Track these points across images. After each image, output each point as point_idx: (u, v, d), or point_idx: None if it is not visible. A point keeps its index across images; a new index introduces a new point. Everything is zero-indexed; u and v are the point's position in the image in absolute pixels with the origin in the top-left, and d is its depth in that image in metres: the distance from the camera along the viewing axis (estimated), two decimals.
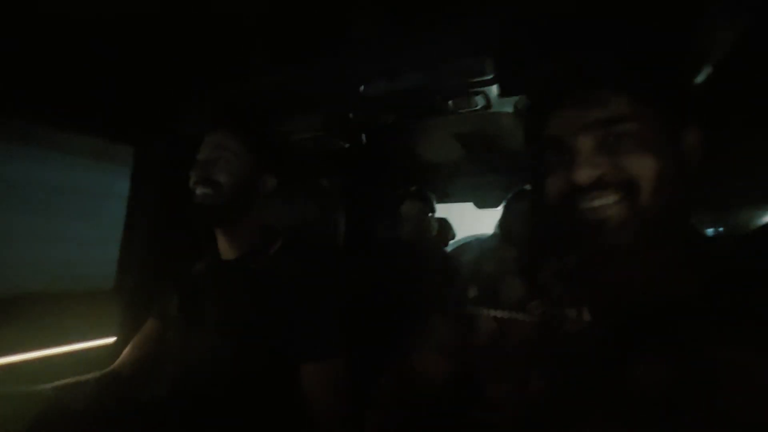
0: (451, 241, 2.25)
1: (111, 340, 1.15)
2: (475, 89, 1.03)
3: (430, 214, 1.72)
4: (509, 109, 1.11)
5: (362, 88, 1.07)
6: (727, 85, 0.76)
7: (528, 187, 1.54)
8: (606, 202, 0.47)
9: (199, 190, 0.88)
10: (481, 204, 2.18)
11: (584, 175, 0.47)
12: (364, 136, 1.43)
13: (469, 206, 2.21)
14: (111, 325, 1.16)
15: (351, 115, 1.25)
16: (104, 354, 1.11)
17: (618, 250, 0.48)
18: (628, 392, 0.43)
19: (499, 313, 0.58)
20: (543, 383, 0.50)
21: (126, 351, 0.98)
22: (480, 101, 1.07)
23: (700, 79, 0.76)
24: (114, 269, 1.20)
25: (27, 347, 1.00)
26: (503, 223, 1.55)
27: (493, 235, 1.61)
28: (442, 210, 2.28)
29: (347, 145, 1.45)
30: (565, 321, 0.52)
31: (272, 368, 0.81)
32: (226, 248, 0.95)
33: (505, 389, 0.54)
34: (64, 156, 1.07)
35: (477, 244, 2.15)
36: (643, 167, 0.46)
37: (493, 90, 1.03)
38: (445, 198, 2.18)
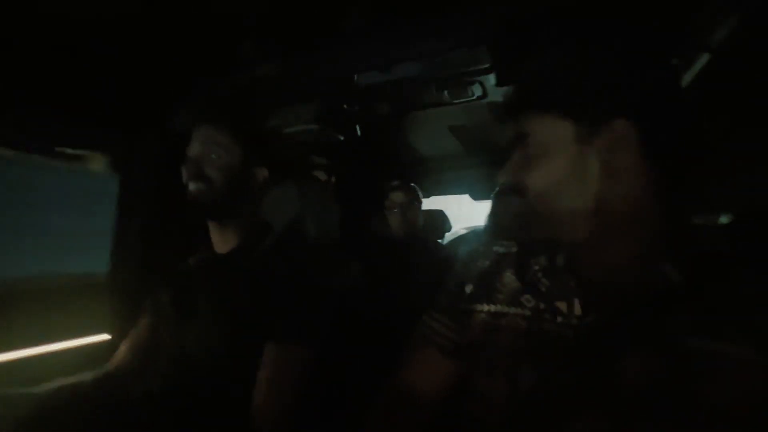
0: (447, 234, 2.25)
1: (105, 336, 1.14)
2: (472, 79, 1.02)
3: (416, 206, 1.71)
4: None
5: (356, 78, 1.06)
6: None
7: None
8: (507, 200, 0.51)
9: (191, 186, 0.87)
10: (477, 196, 2.18)
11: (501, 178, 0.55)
12: (358, 128, 1.41)
13: (466, 198, 2.21)
14: (104, 321, 1.15)
15: (345, 106, 1.23)
16: (98, 350, 1.10)
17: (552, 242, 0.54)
18: (615, 384, 0.44)
19: (491, 307, 0.58)
20: (534, 376, 0.51)
21: (121, 348, 0.97)
22: (476, 91, 1.07)
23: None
24: (106, 265, 1.19)
25: (19, 345, 0.98)
26: (491, 217, 1.55)
27: (492, 223, 1.60)
28: (438, 202, 2.28)
29: (341, 137, 1.43)
30: (556, 314, 0.52)
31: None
32: (219, 242, 0.94)
33: (497, 383, 0.53)
34: (54, 149, 1.05)
35: (472, 236, 2.15)
36: (537, 177, 0.51)
37: (490, 79, 1.02)
38: (441, 190, 2.17)
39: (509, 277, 0.59)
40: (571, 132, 0.49)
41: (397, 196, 1.68)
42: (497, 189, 1.54)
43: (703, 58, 0.77)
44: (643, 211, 0.48)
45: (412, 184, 1.74)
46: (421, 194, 1.75)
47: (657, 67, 0.50)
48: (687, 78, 0.80)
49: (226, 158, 0.88)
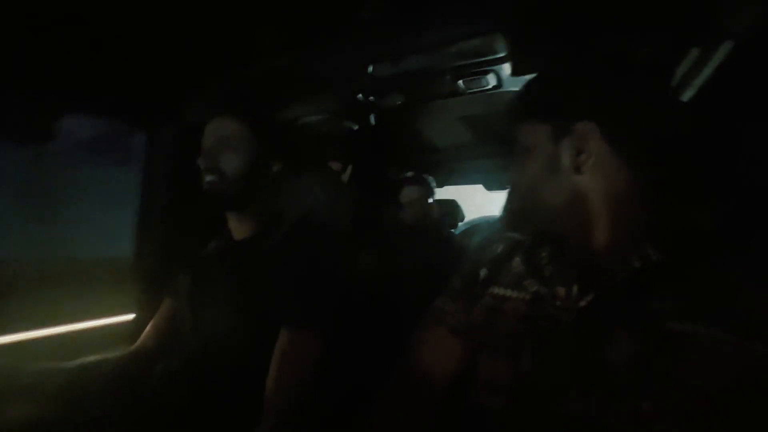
0: (461, 223, 2.25)
1: (130, 316, 1.19)
2: (486, 69, 1.01)
3: (429, 197, 1.71)
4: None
5: (371, 69, 1.06)
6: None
7: None
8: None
9: (206, 178, 0.89)
10: (491, 186, 2.16)
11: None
12: (373, 119, 1.42)
13: (480, 188, 2.20)
14: (130, 302, 1.20)
15: (360, 97, 1.23)
16: (124, 331, 1.15)
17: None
18: (607, 363, 0.46)
19: (499, 291, 0.61)
20: (534, 356, 0.53)
21: (146, 330, 1.01)
22: (491, 81, 1.06)
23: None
24: (132, 249, 1.24)
25: (50, 323, 1.04)
26: (504, 207, 1.54)
27: (500, 217, 1.60)
28: (452, 192, 2.27)
29: (356, 128, 1.44)
30: (555, 298, 0.54)
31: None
32: (236, 230, 0.97)
33: (501, 362, 0.56)
34: (79, 141, 1.10)
35: (485, 225, 2.14)
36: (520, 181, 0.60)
37: (505, 69, 1.01)
38: (455, 180, 2.17)
39: (516, 263, 0.62)
40: (546, 134, 0.55)
41: (410, 188, 1.69)
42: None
43: (726, 47, 0.75)
44: (618, 198, 0.52)
45: (425, 175, 1.74)
46: (434, 185, 1.75)
47: (622, 72, 0.55)
48: (709, 67, 0.78)
49: (241, 150, 0.89)
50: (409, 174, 1.74)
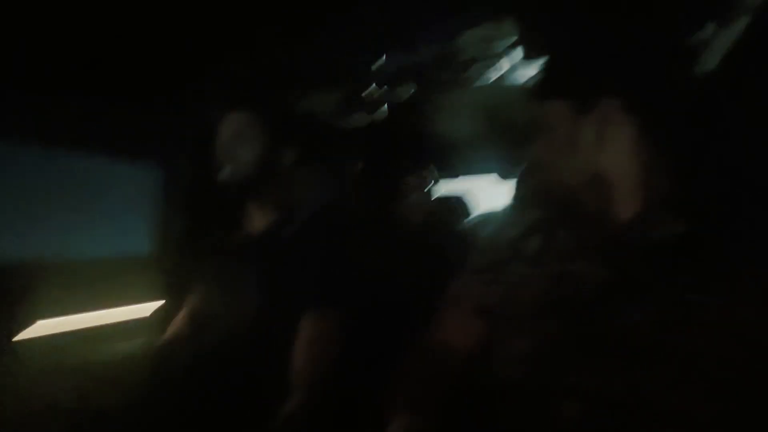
0: (473, 214, 2.23)
1: (156, 304, 1.24)
2: (497, 53, 1.01)
3: (432, 188, 1.71)
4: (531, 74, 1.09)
5: (383, 59, 1.07)
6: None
7: None
8: None
9: (222, 171, 0.92)
10: (506, 175, 2.15)
11: None
12: (384, 109, 1.42)
13: (494, 177, 2.18)
14: (154, 291, 1.24)
15: (371, 88, 1.24)
16: (150, 321, 1.20)
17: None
18: (629, 338, 0.47)
19: (517, 268, 0.62)
20: (554, 333, 0.54)
21: (175, 320, 1.05)
22: (503, 66, 1.06)
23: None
24: (156, 244, 1.28)
25: (78, 310, 1.08)
26: (517, 191, 1.54)
27: (514, 198, 1.60)
28: (466, 182, 2.26)
29: (368, 119, 1.45)
30: (574, 272, 0.55)
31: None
32: (254, 219, 1.00)
33: (519, 340, 0.57)
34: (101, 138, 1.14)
35: (499, 215, 2.12)
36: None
37: (517, 54, 1.00)
38: (468, 170, 2.16)
39: (534, 241, 0.62)
40: (568, 111, 0.55)
41: (416, 179, 1.69)
42: (523, 166, 1.53)
43: (742, 21, 0.74)
44: (639, 175, 0.52)
45: (431, 167, 1.74)
46: (436, 174, 1.75)
47: (643, 47, 0.54)
48: (723, 43, 0.76)
49: (254, 141, 0.92)
50: (414, 165, 1.74)
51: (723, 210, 0.49)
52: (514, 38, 0.93)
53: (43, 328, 1.01)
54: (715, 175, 0.52)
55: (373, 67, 1.11)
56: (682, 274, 0.45)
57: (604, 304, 0.50)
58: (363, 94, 1.29)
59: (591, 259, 0.54)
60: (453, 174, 2.09)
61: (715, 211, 0.49)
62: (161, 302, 1.23)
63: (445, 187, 1.83)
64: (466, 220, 2.15)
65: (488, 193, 2.43)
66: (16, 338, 0.96)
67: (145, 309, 1.21)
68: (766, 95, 0.69)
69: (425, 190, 1.67)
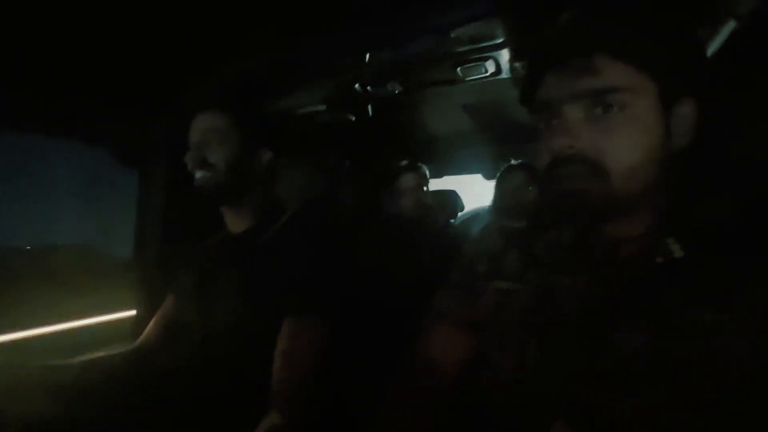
0: (460, 213, 2.24)
1: (131, 313, 1.19)
2: (484, 55, 1.00)
3: (425, 187, 1.70)
4: (519, 75, 1.08)
5: (367, 57, 1.04)
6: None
7: (514, 162, 1.55)
8: (577, 175, 0.46)
9: (196, 174, 0.89)
10: (490, 175, 2.15)
11: (560, 143, 0.47)
12: (369, 108, 1.40)
13: (479, 177, 2.19)
14: (130, 298, 1.20)
15: (356, 86, 1.22)
16: (125, 327, 1.15)
17: (587, 222, 0.50)
18: (618, 356, 0.45)
19: (500, 284, 0.59)
20: (541, 349, 0.52)
21: (148, 327, 1.01)
22: (490, 68, 1.04)
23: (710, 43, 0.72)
24: (131, 246, 1.23)
25: (50, 321, 1.04)
26: (495, 200, 1.57)
27: (496, 206, 1.63)
28: (451, 181, 2.26)
29: (353, 118, 1.43)
30: (561, 290, 0.52)
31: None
32: (233, 223, 0.96)
33: (507, 356, 0.55)
34: (73, 139, 1.10)
35: (484, 214, 2.14)
36: (618, 150, 0.45)
37: (504, 55, 0.99)
38: (454, 169, 2.15)
39: (518, 254, 0.60)
40: (655, 95, 0.45)
41: (407, 176, 1.67)
42: (510, 164, 1.53)
43: (729, 26, 0.74)
44: (660, 184, 0.48)
45: (419, 164, 1.73)
46: (428, 174, 1.74)
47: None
48: (711, 48, 0.76)
49: (228, 143, 0.89)
50: (405, 162, 1.73)
51: (722, 231, 0.47)
52: (502, 38, 0.92)
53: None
54: (712, 195, 0.51)
55: (360, 65, 1.08)
56: (678, 294, 0.44)
57: (597, 321, 0.48)
58: (349, 92, 1.26)
59: (580, 276, 0.52)
60: (438, 173, 2.08)
61: (714, 232, 0.47)
62: (136, 310, 1.18)
63: (432, 186, 1.82)
64: (453, 220, 2.15)
65: (472, 193, 2.45)
66: None
67: (121, 316, 1.17)
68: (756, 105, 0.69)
69: (416, 188, 1.66)
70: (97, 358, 0.92)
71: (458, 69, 1.06)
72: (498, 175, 1.57)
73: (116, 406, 0.87)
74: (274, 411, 0.73)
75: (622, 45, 0.45)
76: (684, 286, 0.44)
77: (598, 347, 0.47)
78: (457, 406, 0.63)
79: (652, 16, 0.47)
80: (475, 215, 2.30)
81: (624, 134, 0.45)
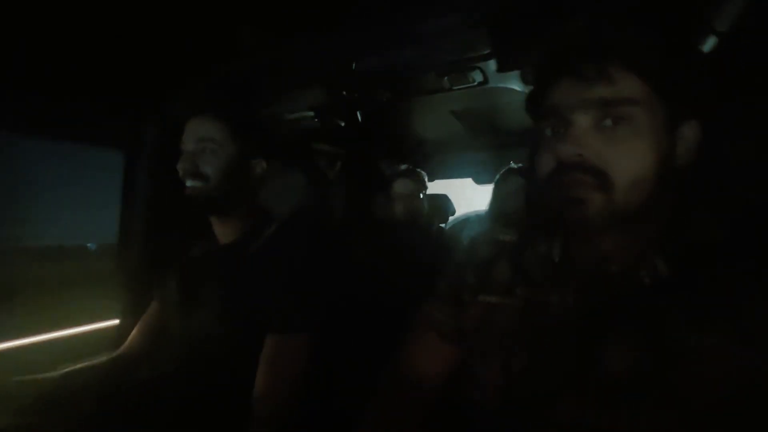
0: (451, 217, 2.24)
1: (114, 322, 1.18)
2: (472, 65, 1.00)
3: (421, 193, 1.69)
4: (506, 85, 1.08)
5: (355, 65, 1.04)
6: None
7: (515, 165, 1.52)
8: (582, 183, 0.46)
9: (187, 183, 0.87)
10: (480, 180, 2.16)
11: (567, 151, 0.46)
12: (359, 115, 1.40)
13: (469, 182, 2.20)
14: (113, 308, 1.18)
15: (345, 93, 1.21)
16: (108, 336, 1.13)
17: (587, 233, 0.50)
18: (603, 372, 0.45)
19: (488, 297, 0.59)
20: (526, 363, 0.52)
21: (131, 335, 1.00)
22: (477, 77, 1.04)
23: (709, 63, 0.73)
24: (116, 254, 1.22)
25: (31, 331, 1.02)
26: (492, 203, 1.55)
27: (489, 214, 1.61)
28: (441, 186, 2.27)
29: (342, 124, 1.42)
30: (549, 305, 0.52)
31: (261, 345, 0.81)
32: (222, 233, 0.95)
33: (492, 368, 0.55)
34: (56, 142, 1.08)
35: (475, 219, 2.14)
36: (624, 163, 0.45)
37: (491, 65, 0.99)
38: (444, 174, 2.16)
39: (506, 267, 0.59)
40: (663, 113, 0.46)
41: (403, 181, 1.67)
42: (509, 168, 1.52)
43: (710, 42, 0.75)
44: (656, 203, 0.48)
45: (418, 170, 1.73)
46: (426, 180, 1.74)
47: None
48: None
49: (221, 152, 0.87)
50: (402, 168, 1.72)
51: (711, 251, 0.46)
52: (488, 51, 0.92)
53: None
54: (705, 215, 0.51)
55: (347, 72, 1.08)
56: (664, 313, 0.44)
57: (582, 337, 0.48)
58: (338, 99, 1.26)
59: (569, 292, 0.52)
60: (429, 177, 2.08)
61: (703, 252, 0.46)
62: (119, 318, 1.17)
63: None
64: (444, 224, 2.16)
65: (463, 198, 2.45)
66: None
67: (104, 324, 1.15)
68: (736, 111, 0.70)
69: (410, 194, 1.65)
70: (77, 368, 0.90)
71: (445, 78, 1.07)
72: (497, 178, 1.55)
73: (97, 416, 0.86)
74: (255, 428, 0.73)
75: (637, 56, 0.45)
76: (670, 304, 0.44)
77: (584, 363, 0.47)
78: (440, 418, 0.63)
79: (665, 35, 0.48)
80: (466, 219, 2.31)
81: (631, 147, 0.45)
